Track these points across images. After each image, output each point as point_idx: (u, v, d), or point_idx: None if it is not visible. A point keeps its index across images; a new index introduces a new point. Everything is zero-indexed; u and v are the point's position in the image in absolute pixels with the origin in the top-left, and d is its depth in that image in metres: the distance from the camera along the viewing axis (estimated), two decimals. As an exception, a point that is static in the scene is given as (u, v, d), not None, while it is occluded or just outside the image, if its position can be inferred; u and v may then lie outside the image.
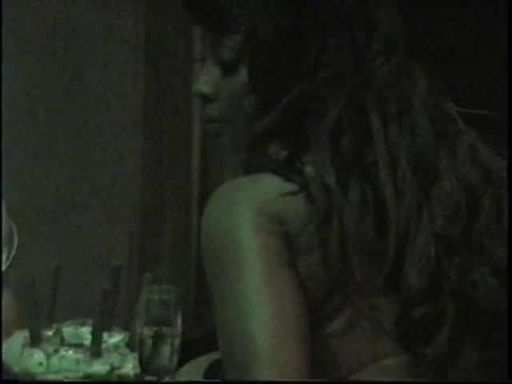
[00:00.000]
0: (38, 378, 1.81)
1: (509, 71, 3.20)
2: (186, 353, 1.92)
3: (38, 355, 1.83)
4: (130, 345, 1.81)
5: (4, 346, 1.88)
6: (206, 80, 1.62)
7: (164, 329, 1.75)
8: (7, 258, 2.01)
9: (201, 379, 1.99)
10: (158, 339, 1.76)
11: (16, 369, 1.83)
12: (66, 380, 1.85)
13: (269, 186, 1.51)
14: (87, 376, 1.80)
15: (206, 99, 1.62)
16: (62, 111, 4.15)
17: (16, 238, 2.04)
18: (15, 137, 3.96)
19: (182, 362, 1.86)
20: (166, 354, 1.76)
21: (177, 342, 1.75)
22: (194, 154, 3.75)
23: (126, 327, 1.87)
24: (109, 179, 3.96)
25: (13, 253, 2.03)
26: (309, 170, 1.50)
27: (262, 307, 1.44)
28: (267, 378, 1.41)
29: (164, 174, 3.77)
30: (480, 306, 1.48)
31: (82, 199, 3.95)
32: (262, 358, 1.42)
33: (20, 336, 1.88)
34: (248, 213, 1.48)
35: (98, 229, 3.85)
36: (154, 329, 1.75)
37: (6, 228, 2.03)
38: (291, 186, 1.50)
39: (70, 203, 3.89)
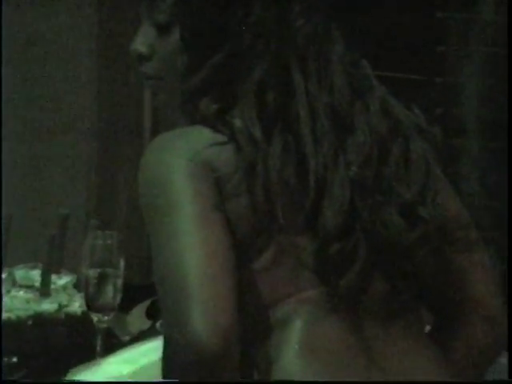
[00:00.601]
0: None
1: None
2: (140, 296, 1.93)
3: (-9, 293, 1.92)
4: (78, 286, 1.86)
5: None
6: (141, 41, 1.63)
7: (107, 270, 1.80)
8: None
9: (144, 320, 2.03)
10: (102, 280, 1.80)
11: (-28, 305, 1.90)
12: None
13: (200, 137, 1.53)
14: (37, 314, 1.86)
15: (143, 58, 1.63)
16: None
17: None
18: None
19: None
20: (110, 293, 1.81)
21: (119, 282, 1.81)
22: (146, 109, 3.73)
23: (73, 270, 1.92)
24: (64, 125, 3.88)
25: None
26: (237, 122, 1.52)
27: (193, 247, 1.45)
28: (199, 312, 1.41)
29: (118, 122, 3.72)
30: (388, 242, 1.50)
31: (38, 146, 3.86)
32: (195, 292, 1.42)
33: None
34: (180, 161, 1.49)
35: (52, 178, 3.85)
36: (99, 271, 1.80)
37: None
38: (221, 137, 1.51)
39: (25, 149, 3.82)
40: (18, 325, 1.88)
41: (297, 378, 1.43)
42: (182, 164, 1.46)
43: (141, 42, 1.63)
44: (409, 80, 3.22)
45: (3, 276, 1.95)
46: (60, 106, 3.86)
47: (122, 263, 1.82)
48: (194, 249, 1.43)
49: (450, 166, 3.27)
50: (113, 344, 1.86)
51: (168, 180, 1.47)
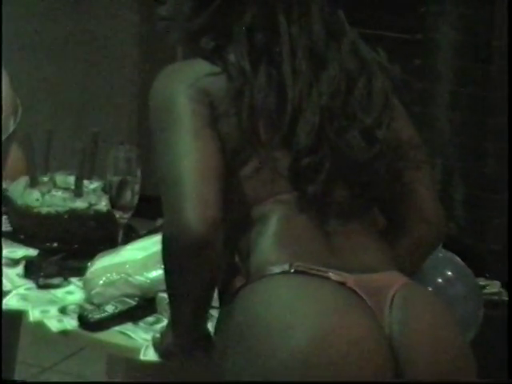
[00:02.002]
0: (35, 210, 1.93)
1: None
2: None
3: (35, 194, 1.96)
4: (104, 189, 1.92)
5: (11, 187, 2.01)
6: None
7: (127, 178, 1.85)
8: (14, 124, 2.08)
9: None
10: (122, 185, 1.85)
11: (19, 202, 1.96)
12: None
13: (199, 68, 1.52)
14: (72, 209, 1.93)
15: (159, 2, 1.64)
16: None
17: (20, 109, 2.11)
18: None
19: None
20: (129, 196, 1.86)
21: (137, 187, 1.85)
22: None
23: (102, 177, 1.98)
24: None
25: (18, 119, 2.10)
26: (230, 57, 1.51)
27: (189, 154, 1.45)
28: (190, 206, 1.43)
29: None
30: (350, 158, 1.51)
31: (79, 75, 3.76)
32: (187, 191, 1.43)
33: (23, 180, 2.01)
34: (182, 86, 1.49)
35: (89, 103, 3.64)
36: (120, 178, 1.85)
37: (14, 102, 2.10)
38: (216, 69, 1.51)
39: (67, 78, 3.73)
40: (56, 217, 1.93)
41: (271, 260, 1.45)
42: (183, 89, 1.48)
43: None
44: (394, 37, 3.22)
45: (45, 179, 2.00)
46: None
47: (138, 172, 1.86)
48: (189, 155, 1.45)
49: (427, 107, 3.32)
50: (131, 236, 1.89)
51: (171, 101, 1.49)
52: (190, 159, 1.45)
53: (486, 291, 2.98)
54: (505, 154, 3.19)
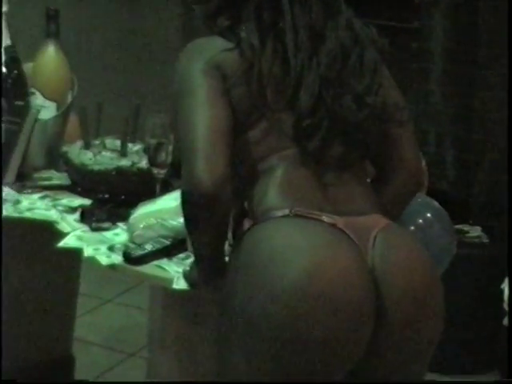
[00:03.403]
0: (89, 167, 1.95)
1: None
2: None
3: (89, 154, 1.99)
4: (145, 150, 1.92)
5: (69, 149, 2.02)
6: None
7: (163, 140, 1.85)
8: (71, 97, 2.08)
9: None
10: (159, 147, 1.86)
11: (76, 161, 1.98)
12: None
13: (216, 44, 1.50)
14: (118, 167, 1.94)
15: None
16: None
17: (76, 85, 2.10)
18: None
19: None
20: (164, 155, 1.86)
21: (170, 148, 1.86)
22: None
23: (143, 140, 1.98)
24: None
25: (74, 94, 2.10)
26: (242, 34, 1.49)
27: (203, 119, 1.44)
28: (202, 163, 1.41)
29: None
30: (344, 119, 1.49)
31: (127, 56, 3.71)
32: (200, 150, 1.42)
33: (79, 143, 2.04)
34: (199, 62, 1.47)
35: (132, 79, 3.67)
36: (157, 140, 1.86)
37: (71, 79, 2.10)
38: (230, 45, 1.48)
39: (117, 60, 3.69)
40: (106, 174, 1.94)
41: (274, 206, 1.44)
42: (199, 64, 1.47)
43: None
44: (394, 26, 3.18)
45: (97, 142, 2.02)
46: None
47: (171, 136, 1.86)
48: (201, 122, 1.44)
49: (422, 83, 3.30)
50: (167, 189, 1.88)
51: (189, 76, 1.48)
52: (202, 125, 1.43)
53: (468, 235, 2.99)
54: (490, 122, 3.19)
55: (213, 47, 1.50)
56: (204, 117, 1.44)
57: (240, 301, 1.40)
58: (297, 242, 1.40)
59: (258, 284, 1.38)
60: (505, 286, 2.76)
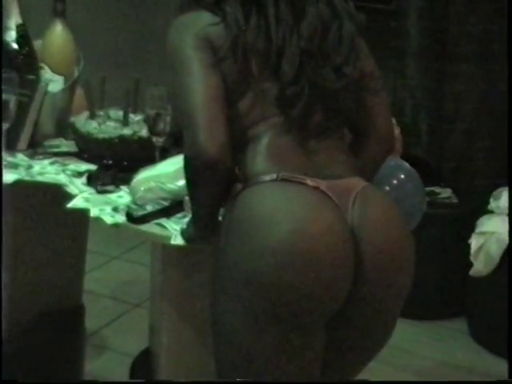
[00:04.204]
0: (94, 136, 1.93)
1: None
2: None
3: (94, 124, 1.97)
4: (145, 120, 1.90)
5: (76, 119, 2.00)
6: None
7: (161, 111, 1.83)
8: (77, 71, 2.05)
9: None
10: (157, 117, 1.83)
11: (82, 130, 1.96)
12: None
13: (202, 19, 1.46)
14: (121, 135, 1.92)
15: None
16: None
17: (82, 60, 2.07)
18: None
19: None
20: (162, 125, 1.84)
21: (168, 119, 1.83)
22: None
23: (143, 111, 1.95)
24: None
25: (80, 68, 2.06)
26: (227, 8, 1.45)
27: (199, 90, 1.41)
28: (203, 131, 1.38)
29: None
30: (323, 88, 1.46)
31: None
32: (200, 119, 1.40)
33: (85, 114, 2.02)
34: (189, 36, 1.44)
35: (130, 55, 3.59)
36: (156, 111, 1.83)
37: (77, 54, 2.07)
38: (217, 19, 1.45)
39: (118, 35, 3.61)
40: (109, 141, 1.92)
41: (262, 171, 1.43)
42: (189, 38, 1.44)
43: None
44: (374, 8, 3.14)
45: (101, 113, 1.99)
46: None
47: (169, 107, 1.83)
48: (198, 93, 1.41)
49: (400, 59, 3.28)
50: (166, 156, 1.86)
51: (182, 49, 1.45)
52: (199, 95, 1.41)
53: (440, 196, 2.99)
54: (460, 95, 3.18)
55: (200, 21, 1.46)
56: (200, 89, 1.41)
57: (232, 255, 1.40)
58: (283, 204, 1.40)
59: (249, 242, 1.38)
60: (471, 241, 2.78)
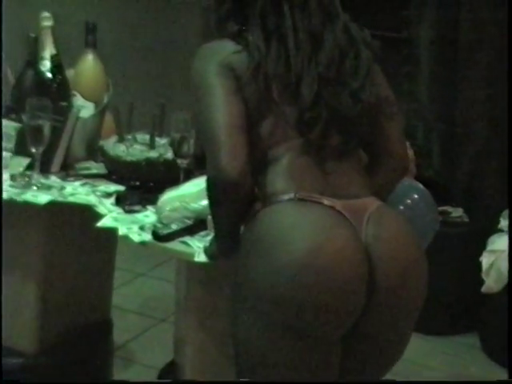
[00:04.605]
0: (122, 159, 1.94)
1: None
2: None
3: (122, 147, 1.99)
4: (170, 143, 1.92)
5: (105, 143, 2.02)
6: None
7: (185, 134, 1.85)
8: (107, 98, 2.05)
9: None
10: (182, 140, 1.85)
11: (111, 153, 1.98)
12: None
13: (226, 47, 1.46)
14: (147, 158, 1.94)
15: None
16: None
17: (111, 87, 2.09)
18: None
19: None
20: (186, 147, 1.86)
21: (192, 141, 1.85)
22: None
23: (169, 135, 1.97)
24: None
25: (110, 95, 2.06)
26: (250, 37, 1.45)
27: (219, 117, 1.41)
28: (224, 153, 1.38)
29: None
30: (341, 113, 1.45)
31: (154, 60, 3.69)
32: (222, 142, 1.39)
33: (114, 138, 2.04)
34: (212, 63, 1.44)
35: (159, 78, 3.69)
36: (180, 135, 1.85)
37: (107, 82, 2.08)
38: (239, 48, 1.45)
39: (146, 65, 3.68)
40: (137, 164, 1.93)
41: (281, 191, 1.42)
42: (213, 65, 1.44)
43: None
44: (387, 36, 3.15)
45: (129, 137, 2.00)
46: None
47: (193, 131, 1.84)
48: (221, 115, 1.41)
49: (412, 84, 3.28)
50: (190, 177, 1.87)
51: (206, 76, 1.45)
52: (221, 120, 1.41)
53: (452, 215, 2.97)
54: (470, 118, 3.17)
55: (224, 49, 1.46)
56: (222, 114, 1.41)
57: (251, 271, 1.40)
58: (300, 222, 1.39)
59: (267, 258, 1.37)
60: (482, 259, 2.75)
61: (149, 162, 1.93)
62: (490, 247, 2.76)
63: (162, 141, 2.01)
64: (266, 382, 1.41)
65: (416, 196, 1.81)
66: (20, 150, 1.98)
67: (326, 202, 1.41)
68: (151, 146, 1.98)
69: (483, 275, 2.74)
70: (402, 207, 1.75)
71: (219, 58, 1.45)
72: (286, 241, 1.37)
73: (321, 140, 1.46)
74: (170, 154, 1.92)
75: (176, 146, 1.86)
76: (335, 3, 1.51)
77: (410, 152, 1.94)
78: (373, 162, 1.58)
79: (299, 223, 1.39)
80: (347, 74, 1.47)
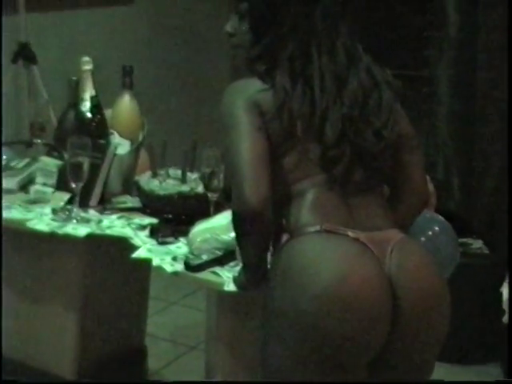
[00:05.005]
0: (156, 193, 1.95)
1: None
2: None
3: (156, 182, 2.00)
4: (201, 178, 1.92)
5: (140, 178, 2.03)
6: (229, 24, 1.59)
7: (215, 169, 1.85)
8: (142, 136, 2.08)
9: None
10: (212, 175, 1.85)
11: (145, 188, 1.99)
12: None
13: (254, 85, 1.47)
14: (179, 192, 1.94)
15: (230, 35, 1.59)
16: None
17: (146, 126, 2.10)
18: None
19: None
20: (216, 181, 1.86)
21: (221, 176, 1.84)
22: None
23: (199, 170, 1.97)
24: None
25: (144, 133, 2.09)
26: (277, 77, 1.45)
27: (244, 152, 1.41)
28: (248, 187, 1.38)
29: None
30: (364, 150, 1.45)
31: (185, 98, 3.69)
32: (246, 176, 1.40)
33: (148, 173, 2.05)
34: (240, 100, 1.45)
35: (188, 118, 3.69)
36: (210, 170, 1.86)
37: (142, 121, 2.11)
38: (266, 86, 1.45)
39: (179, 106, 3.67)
40: (169, 198, 1.94)
41: (307, 223, 1.41)
42: (240, 102, 1.45)
43: (229, 25, 1.61)
44: (408, 74, 3.16)
45: (162, 172, 2.01)
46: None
47: (222, 167, 1.84)
48: (244, 152, 1.42)
49: (432, 121, 3.28)
50: (219, 210, 1.86)
51: (233, 112, 1.45)
52: (245, 155, 1.42)
53: (472, 247, 2.93)
54: (488, 153, 3.15)
55: (251, 87, 1.47)
56: (247, 149, 1.42)
57: (280, 302, 1.39)
58: (326, 254, 1.39)
59: (295, 289, 1.37)
60: (503, 290, 2.70)
61: (181, 195, 1.93)
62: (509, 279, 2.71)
63: (193, 176, 2.02)
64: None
65: (437, 228, 1.79)
66: (61, 185, 2.01)
67: (350, 233, 1.40)
68: (183, 180, 1.99)
69: (504, 306, 2.69)
70: (423, 239, 1.74)
71: (246, 95, 1.46)
72: (314, 272, 1.36)
73: (344, 176, 1.46)
74: (200, 188, 1.93)
75: (206, 181, 1.87)
76: (358, 46, 1.52)
77: (431, 186, 1.93)
78: (394, 195, 1.57)
79: (325, 254, 1.39)
80: (370, 113, 1.47)
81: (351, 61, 1.49)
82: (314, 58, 1.47)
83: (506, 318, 2.68)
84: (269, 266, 1.52)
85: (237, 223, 1.45)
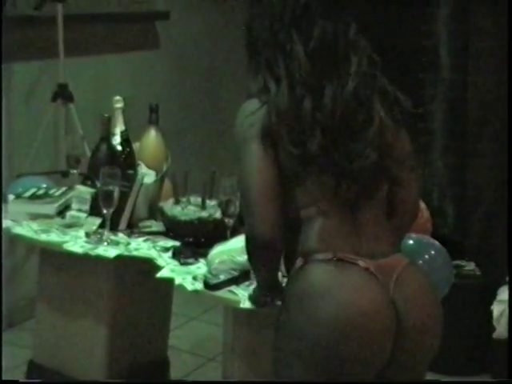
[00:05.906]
0: (178, 218, 1.94)
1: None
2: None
3: (178, 208, 1.99)
4: (219, 205, 1.91)
5: (164, 204, 2.02)
6: None
7: (231, 198, 1.83)
8: (166, 166, 2.06)
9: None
10: (228, 202, 1.83)
11: (169, 213, 1.98)
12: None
13: (253, 106, 1.40)
14: (199, 217, 1.93)
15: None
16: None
17: (169, 157, 2.09)
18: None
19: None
20: (232, 208, 1.84)
21: (237, 203, 1.81)
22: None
23: (217, 197, 1.95)
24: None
25: (168, 164, 2.08)
26: (270, 98, 1.39)
27: (257, 183, 1.38)
28: (259, 217, 1.35)
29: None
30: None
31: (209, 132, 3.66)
32: (257, 207, 1.37)
33: (171, 200, 2.04)
34: (254, 129, 1.39)
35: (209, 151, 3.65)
36: (228, 197, 1.84)
37: (166, 153, 2.10)
38: (259, 105, 1.39)
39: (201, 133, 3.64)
40: (190, 223, 1.93)
41: (317, 250, 1.38)
42: (253, 131, 1.39)
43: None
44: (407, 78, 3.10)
45: (184, 199, 2.00)
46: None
47: (238, 195, 1.79)
48: (257, 183, 1.38)
49: (428, 154, 3.27)
50: (235, 234, 1.84)
51: (245, 141, 1.41)
52: (259, 186, 1.39)
53: (465, 269, 2.90)
54: (480, 184, 3.13)
55: (251, 107, 1.40)
56: (257, 181, 1.39)
57: (293, 325, 1.38)
58: (337, 282, 1.38)
59: (307, 313, 1.36)
60: (493, 308, 2.67)
61: (201, 220, 1.93)
62: (499, 297, 2.68)
63: (211, 203, 2.02)
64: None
65: (433, 252, 1.78)
66: (94, 211, 2.02)
67: (361, 263, 1.39)
68: (203, 207, 1.99)
69: (494, 323, 2.66)
70: (421, 262, 1.72)
71: (258, 121, 1.39)
72: (326, 298, 1.36)
73: (353, 204, 1.42)
74: (218, 214, 1.92)
75: (224, 207, 1.86)
76: (376, 70, 1.44)
77: (427, 213, 1.92)
78: (392, 212, 1.51)
79: (336, 283, 1.38)
80: (388, 147, 1.42)
81: (369, 80, 1.40)
82: (327, 93, 1.38)
83: (496, 334, 2.65)
84: (283, 285, 1.51)
85: (249, 249, 1.45)
